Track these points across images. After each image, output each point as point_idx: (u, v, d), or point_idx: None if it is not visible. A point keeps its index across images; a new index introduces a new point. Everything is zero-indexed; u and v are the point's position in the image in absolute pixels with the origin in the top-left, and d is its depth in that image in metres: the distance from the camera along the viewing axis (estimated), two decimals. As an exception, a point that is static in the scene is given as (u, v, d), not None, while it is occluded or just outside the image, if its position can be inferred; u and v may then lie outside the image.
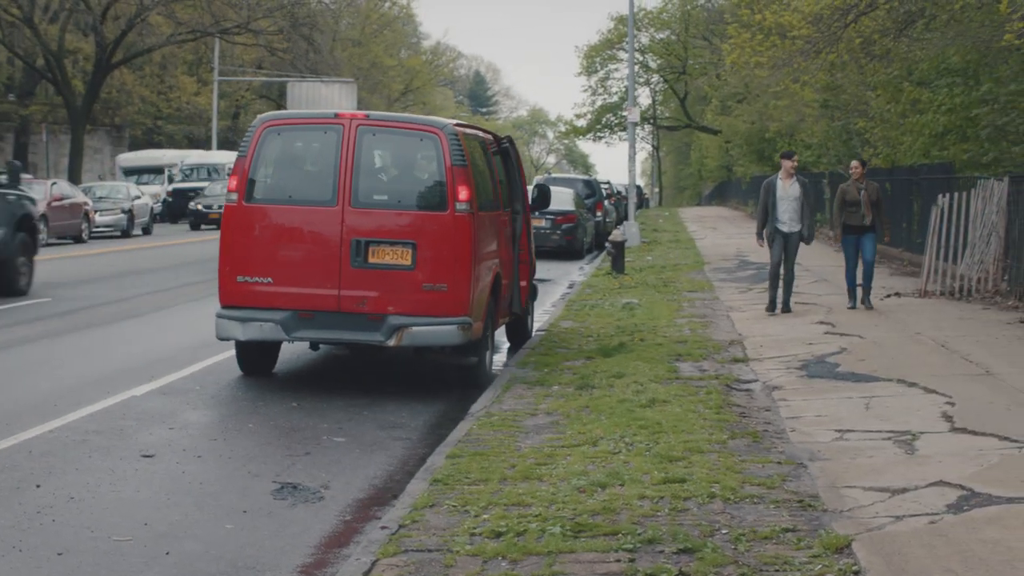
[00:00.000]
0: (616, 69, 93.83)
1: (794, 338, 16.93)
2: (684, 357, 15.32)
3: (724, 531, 7.88)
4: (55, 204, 37.75)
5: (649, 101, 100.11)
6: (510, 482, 9.22)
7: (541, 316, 19.09)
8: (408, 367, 15.72)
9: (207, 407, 12.95)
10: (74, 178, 55.51)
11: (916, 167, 28.77)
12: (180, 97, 73.44)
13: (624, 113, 52.39)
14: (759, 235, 20.01)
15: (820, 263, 28.62)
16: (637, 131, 50.64)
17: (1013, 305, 19.84)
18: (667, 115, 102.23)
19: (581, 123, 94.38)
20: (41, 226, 24.16)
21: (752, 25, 30.21)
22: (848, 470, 9.56)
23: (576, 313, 20.21)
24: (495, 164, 15.85)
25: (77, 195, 41.01)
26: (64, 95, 59.21)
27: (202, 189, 51.44)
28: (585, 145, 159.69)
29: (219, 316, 13.64)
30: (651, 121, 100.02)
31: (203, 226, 46.86)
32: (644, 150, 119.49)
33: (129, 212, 44.54)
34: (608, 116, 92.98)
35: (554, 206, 30.64)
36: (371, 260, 13.34)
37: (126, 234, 43.91)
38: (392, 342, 13.30)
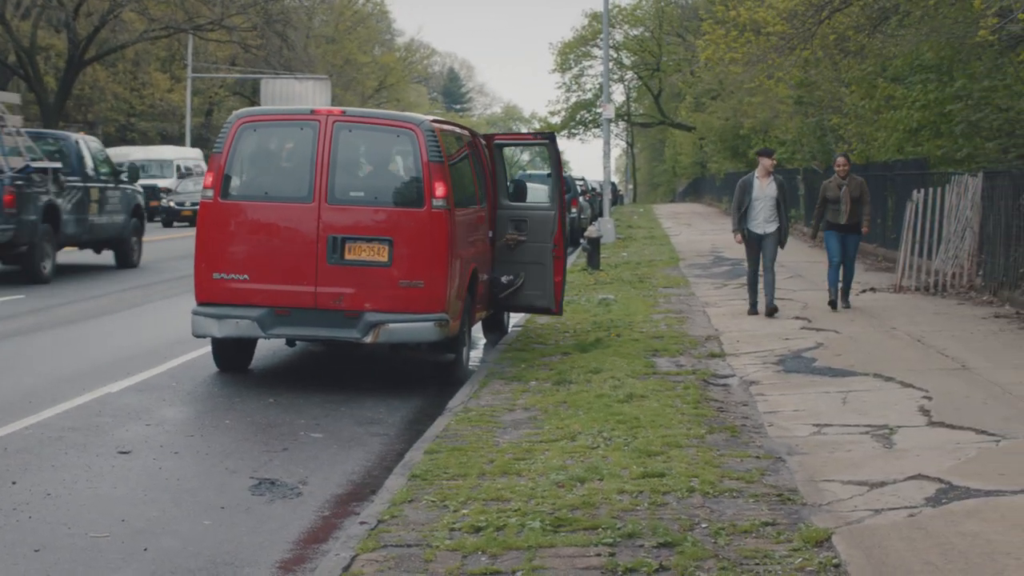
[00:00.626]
0: (590, 66, 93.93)
1: (770, 333, 16.96)
2: (661, 352, 15.33)
3: (704, 525, 7.88)
4: None
5: (623, 98, 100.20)
6: (489, 477, 9.21)
7: (517, 312, 19.04)
8: (385, 363, 15.69)
9: (183, 403, 12.90)
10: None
11: (890, 163, 28.86)
12: (153, 94, 73.14)
13: (598, 110, 52.37)
14: (736, 229, 19.09)
15: (794, 259, 28.68)
16: (611, 128, 50.67)
17: (988, 300, 19.92)
18: (641, 112, 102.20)
19: (555, 120, 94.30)
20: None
21: (726, 21, 30.21)
22: (826, 464, 9.58)
23: (552, 309, 20.16)
24: (483, 160, 15.85)
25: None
26: (36, 92, 58.87)
27: (154, 186, 51.05)
28: (559, 142, 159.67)
29: (195, 313, 13.58)
30: (625, 118, 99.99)
31: (175, 223, 46.70)
32: (618, 147, 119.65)
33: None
34: (582, 113, 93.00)
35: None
36: (348, 257, 13.29)
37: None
38: (369, 339, 13.26)
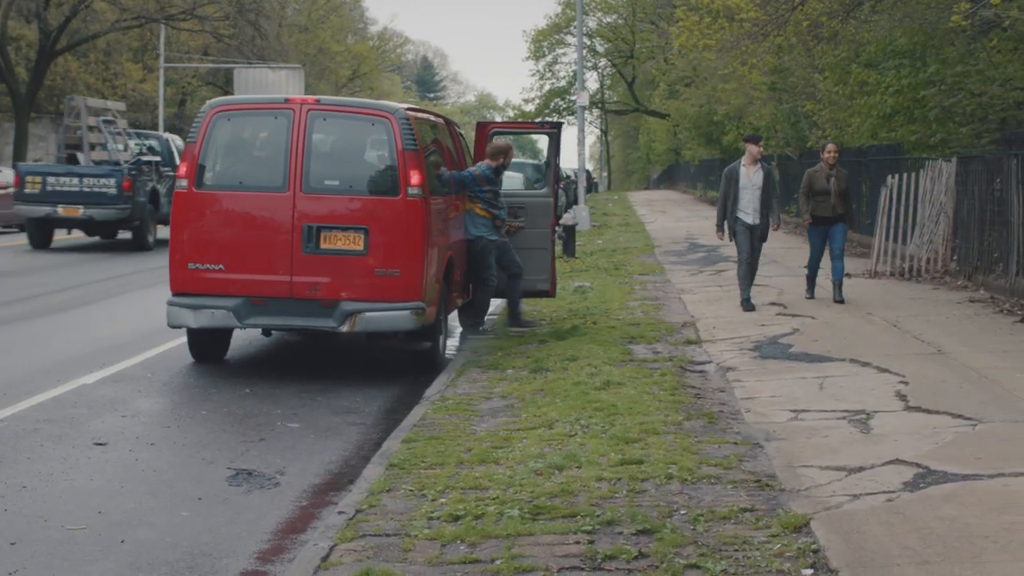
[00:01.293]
0: (564, 53, 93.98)
1: (746, 319, 16.98)
2: (637, 339, 15.33)
3: (682, 512, 7.88)
4: (0, 192, 37.35)
5: (597, 85, 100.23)
6: (467, 466, 9.20)
7: (493, 300, 19.02)
8: (362, 352, 15.66)
9: (159, 394, 12.85)
10: (19, 167, 54.87)
11: (864, 148, 28.92)
12: (126, 84, 72.66)
13: (573, 97, 52.37)
14: (719, 227, 18.13)
15: (768, 245, 28.54)
16: (585, 115, 50.64)
17: (962, 284, 19.99)
18: (615, 99, 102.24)
19: (530, 108, 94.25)
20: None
21: (700, 8, 30.25)
22: (804, 450, 9.59)
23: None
24: (458, 147, 15.82)
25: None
26: (7, 82, 58.48)
27: None
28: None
29: (170, 304, 13.52)
30: (599, 105, 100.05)
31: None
32: (592, 134, 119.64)
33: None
34: (556, 100, 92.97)
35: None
36: (323, 246, 13.25)
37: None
38: (345, 328, 13.23)
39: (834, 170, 18.30)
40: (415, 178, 13.32)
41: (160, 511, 8.68)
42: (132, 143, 33.72)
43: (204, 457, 10.24)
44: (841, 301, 18.12)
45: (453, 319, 16.79)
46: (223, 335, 14.51)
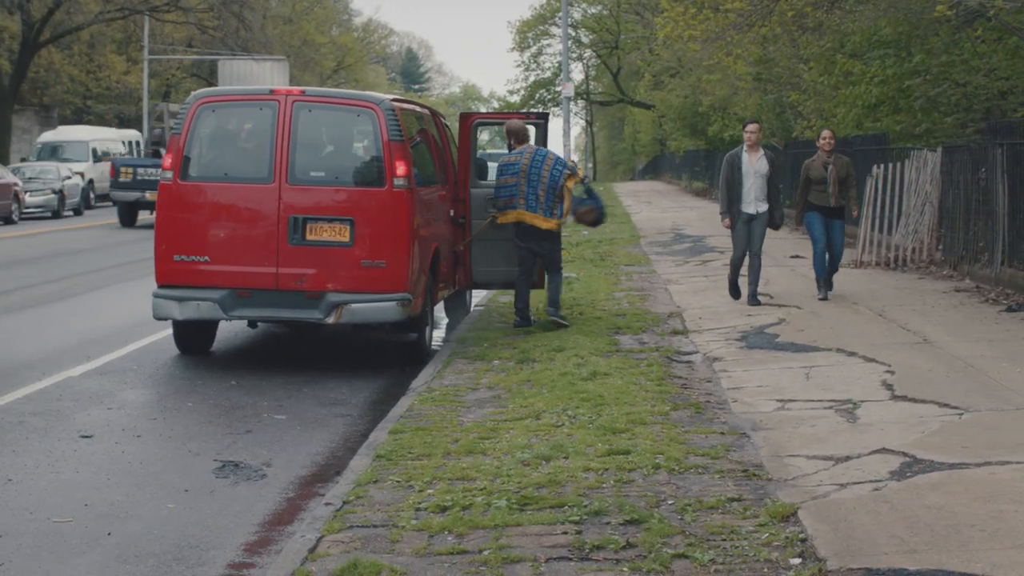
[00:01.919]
0: (549, 44, 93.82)
1: (732, 309, 16.98)
2: (624, 330, 15.33)
3: (670, 502, 7.88)
4: None
5: (582, 76, 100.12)
6: (454, 456, 9.19)
7: (479, 291, 19.03)
8: (347, 344, 15.64)
9: (145, 387, 12.82)
10: (2, 159, 54.77)
11: (850, 138, 28.89)
12: (110, 76, 72.53)
13: (558, 88, 52.37)
14: (725, 213, 17.03)
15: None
16: (571, 106, 50.61)
17: (948, 274, 20.02)
18: (600, 90, 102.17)
19: (515, 99, 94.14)
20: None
21: (685, -2, 30.22)
22: (791, 439, 9.59)
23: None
24: (444, 138, 15.79)
25: (6, 176, 40.48)
26: (-10, 75, 58.46)
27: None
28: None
29: (156, 296, 13.49)
30: (584, 96, 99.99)
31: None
32: (578, 125, 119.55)
33: (60, 193, 44.00)
34: (542, 92, 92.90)
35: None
36: (309, 237, 13.23)
37: (57, 215, 43.41)
38: (331, 319, 13.21)
39: (831, 157, 17.63)
40: (401, 169, 13.30)
41: (147, 503, 8.66)
42: None
43: (191, 449, 10.22)
44: (825, 299, 17.51)
45: (439, 310, 16.77)
46: (209, 327, 14.48)
